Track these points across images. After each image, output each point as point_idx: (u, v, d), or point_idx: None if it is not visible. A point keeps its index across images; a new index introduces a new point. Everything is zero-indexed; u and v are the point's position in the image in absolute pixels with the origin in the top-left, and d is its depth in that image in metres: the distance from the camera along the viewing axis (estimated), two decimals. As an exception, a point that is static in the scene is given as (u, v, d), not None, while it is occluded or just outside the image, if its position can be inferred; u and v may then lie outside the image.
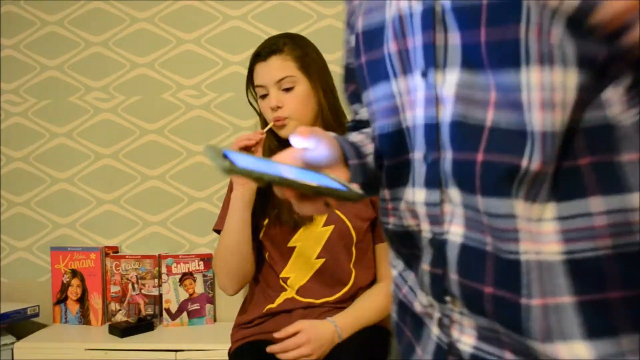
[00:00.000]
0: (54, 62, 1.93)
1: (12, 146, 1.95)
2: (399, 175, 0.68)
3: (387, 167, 0.72)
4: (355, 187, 0.64)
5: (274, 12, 1.87)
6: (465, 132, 0.59)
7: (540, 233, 0.56)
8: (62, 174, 1.94)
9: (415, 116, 0.64)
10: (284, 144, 1.42)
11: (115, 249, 1.90)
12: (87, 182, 1.93)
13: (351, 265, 1.41)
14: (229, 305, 1.80)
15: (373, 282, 1.46)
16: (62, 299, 1.87)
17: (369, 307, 1.39)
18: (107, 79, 1.92)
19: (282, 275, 1.42)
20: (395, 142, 0.68)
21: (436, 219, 0.64)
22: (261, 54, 1.39)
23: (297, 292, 1.40)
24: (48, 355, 1.65)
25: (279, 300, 1.41)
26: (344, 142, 0.73)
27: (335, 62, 1.61)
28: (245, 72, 1.84)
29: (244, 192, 1.34)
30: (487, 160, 0.57)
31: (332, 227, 1.39)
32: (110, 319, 1.84)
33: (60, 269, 1.86)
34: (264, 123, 1.45)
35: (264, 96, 1.41)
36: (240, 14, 1.88)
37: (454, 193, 0.61)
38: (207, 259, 1.82)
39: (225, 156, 0.55)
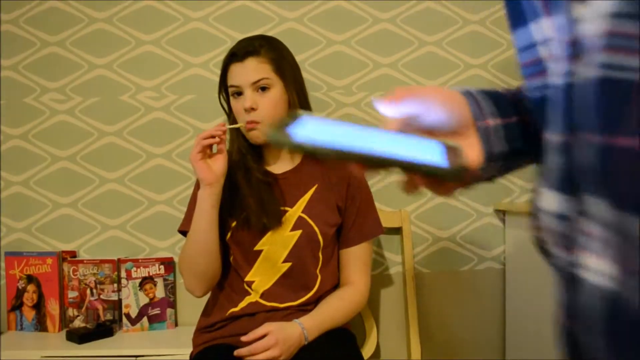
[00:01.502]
0: (8, 62, 1.88)
1: (-36, 148, 1.89)
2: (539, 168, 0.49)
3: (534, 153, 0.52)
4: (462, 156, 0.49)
5: (235, 14, 1.86)
6: (607, 97, 0.37)
7: None
8: (17, 177, 1.89)
9: (552, 73, 0.44)
10: (254, 145, 1.42)
11: (72, 254, 1.85)
12: (43, 185, 1.88)
13: (317, 271, 1.42)
14: (190, 310, 1.79)
15: (336, 286, 1.47)
16: (17, 306, 1.82)
17: (334, 310, 1.40)
18: (64, 80, 1.87)
19: (246, 279, 1.41)
20: (542, 115, 0.48)
21: (565, 240, 0.44)
22: (238, 55, 1.38)
23: (262, 296, 1.40)
24: (3, 363, 1.61)
25: (242, 304, 1.40)
26: (474, 96, 0.55)
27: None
28: (206, 74, 1.85)
29: (212, 191, 1.33)
30: (630, 145, 0.35)
31: (300, 231, 1.39)
32: (68, 325, 1.79)
33: (15, 274, 1.82)
34: (233, 123, 1.43)
35: (236, 95, 1.40)
36: (201, 16, 1.86)
37: (592, 202, 0.40)
38: (167, 263, 1.80)
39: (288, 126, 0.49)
